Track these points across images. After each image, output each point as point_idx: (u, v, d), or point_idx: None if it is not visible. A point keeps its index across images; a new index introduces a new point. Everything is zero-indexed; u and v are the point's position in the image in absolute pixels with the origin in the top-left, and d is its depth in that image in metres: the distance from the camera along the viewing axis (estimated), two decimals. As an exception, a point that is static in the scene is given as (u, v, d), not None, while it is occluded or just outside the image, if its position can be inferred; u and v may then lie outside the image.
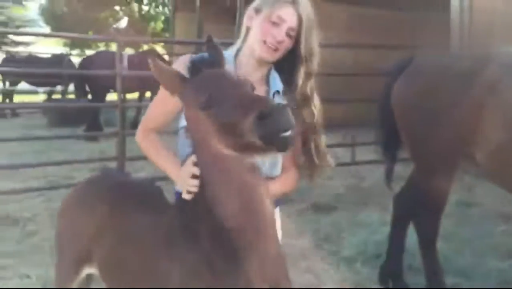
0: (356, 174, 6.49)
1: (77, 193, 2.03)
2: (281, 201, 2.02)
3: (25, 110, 13.52)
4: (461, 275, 3.62)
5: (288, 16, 1.84)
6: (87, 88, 10.22)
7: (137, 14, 27.86)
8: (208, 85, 1.41)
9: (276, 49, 1.85)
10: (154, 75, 1.50)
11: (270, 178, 1.82)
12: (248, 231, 1.43)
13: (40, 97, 15.18)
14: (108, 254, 1.73)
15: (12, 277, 3.59)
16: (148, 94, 11.21)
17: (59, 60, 13.65)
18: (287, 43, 1.86)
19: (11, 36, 23.44)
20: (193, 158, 1.56)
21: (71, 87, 13.45)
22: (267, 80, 1.95)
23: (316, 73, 1.91)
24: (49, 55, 15.46)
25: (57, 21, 25.57)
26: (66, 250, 1.96)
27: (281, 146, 1.29)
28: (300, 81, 1.87)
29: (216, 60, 1.59)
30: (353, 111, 6.63)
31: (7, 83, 13.58)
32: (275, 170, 1.87)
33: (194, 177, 1.55)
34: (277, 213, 1.97)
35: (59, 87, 14.50)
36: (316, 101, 1.93)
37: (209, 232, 1.45)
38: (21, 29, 22.08)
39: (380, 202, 5.36)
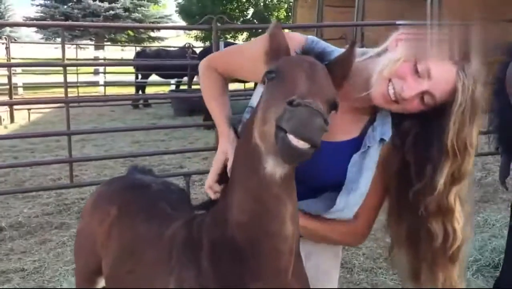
0: (482, 166, 5.71)
1: (97, 194, 1.90)
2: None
3: (155, 101, 14.44)
4: None
5: (439, 77, 1.29)
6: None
7: (261, 4, 28.38)
8: (289, 64, 1.17)
9: (395, 102, 1.35)
10: (269, 38, 1.28)
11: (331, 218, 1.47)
12: (258, 255, 1.16)
13: (168, 89, 16.14)
14: (112, 267, 1.58)
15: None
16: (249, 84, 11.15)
17: (184, 53, 14.29)
18: (414, 107, 1.34)
19: (148, 32, 25.46)
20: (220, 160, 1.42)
21: (196, 78, 14.09)
22: (373, 113, 1.48)
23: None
24: (176, 49, 16.27)
25: (190, 17, 26.95)
26: (80, 257, 1.86)
27: (283, 150, 1.00)
28: (441, 181, 1.32)
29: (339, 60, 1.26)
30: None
31: (139, 76, 14.60)
32: (345, 212, 1.46)
33: (219, 180, 1.39)
34: (331, 258, 1.70)
35: (185, 79, 15.22)
36: (460, 218, 1.35)
37: (212, 249, 1.23)
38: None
39: (508, 200, 4.65)
